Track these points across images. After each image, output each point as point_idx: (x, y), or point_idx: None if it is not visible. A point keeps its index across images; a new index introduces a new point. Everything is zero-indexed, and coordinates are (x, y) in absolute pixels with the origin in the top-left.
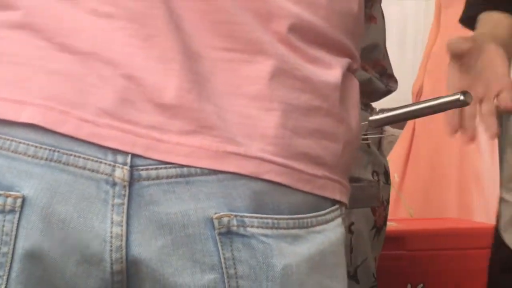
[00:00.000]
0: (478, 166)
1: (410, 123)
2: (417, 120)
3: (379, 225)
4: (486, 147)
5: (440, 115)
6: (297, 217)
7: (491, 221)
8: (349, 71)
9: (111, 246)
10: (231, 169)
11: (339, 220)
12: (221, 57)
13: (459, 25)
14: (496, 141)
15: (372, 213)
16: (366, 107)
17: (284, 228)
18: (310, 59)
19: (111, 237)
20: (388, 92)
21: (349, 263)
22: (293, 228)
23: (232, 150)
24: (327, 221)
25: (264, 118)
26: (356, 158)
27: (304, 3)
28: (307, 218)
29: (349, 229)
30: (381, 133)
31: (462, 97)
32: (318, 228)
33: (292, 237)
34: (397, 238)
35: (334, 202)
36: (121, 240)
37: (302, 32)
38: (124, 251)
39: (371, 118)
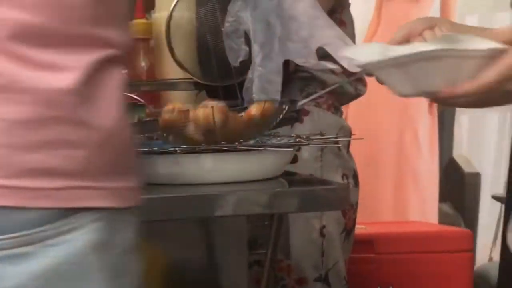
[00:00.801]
0: (416, 164)
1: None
2: (349, 114)
3: (349, 228)
4: (425, 145)
5: (380, 109)
6: (24, 234)
7: (427, 220)
8: (105, 62)
9: None
10: None
11: (87, 228)
12: None
13: (401, 18)
14: (436, 139)
15: (343, 216)
16: (336, 110)
17: (8, 249)
18: (38, 66)
19: None
20: (358, 95)
21: (321, 266)
22: (19, 246)
23: None
24: (65, 232)
25: None
26: (326, 161)
27: (29, 7)
28: (37, 233)
29: (321, 232)
30: (350, 137)
31: None
32: (52, 241)
33: (19, 256)
34: (366, 241)
35: (82, 209)
36: None
37: (28, 38)
38: None
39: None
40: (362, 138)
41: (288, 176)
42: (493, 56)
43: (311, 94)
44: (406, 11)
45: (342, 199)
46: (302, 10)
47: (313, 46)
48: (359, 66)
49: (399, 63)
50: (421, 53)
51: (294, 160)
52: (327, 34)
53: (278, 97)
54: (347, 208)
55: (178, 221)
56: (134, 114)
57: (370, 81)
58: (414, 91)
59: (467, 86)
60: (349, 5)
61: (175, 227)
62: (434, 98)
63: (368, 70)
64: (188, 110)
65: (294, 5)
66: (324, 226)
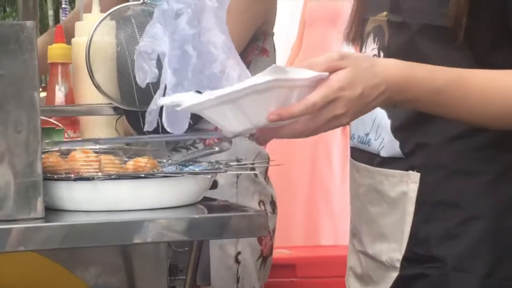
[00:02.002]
0: (329, 186)
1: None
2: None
3: (265, 255)
4: (338, 166)
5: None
6: None
7: (338, 242)
8: None
9: None
10: None
11: None
12: None
13: (322, 43)
14: (349, 159)
15: (259, 243)
16: (252, 136)
17: None
18: None
19: None
20: None
21: None
22: None
23: None
24: None
25: None
26: (241, 188)
27: None
28: None
29: (236, 259)
30: (268, 163)
31: None
32: None
33: None
34: (288, 265)
35: None
36: None
37: None
38: None
39: None
40: (280, 164)
41: (208, 202)
42: (317, 83)
43: None
44: (325, 37)
45: (261, 226)
46: (219, 46)
47: (222, 84)
48: (183, 109)
49: (230, 99)
50: (254, 86)
51: (214, 186)
52: (234, 76)
53: (186, 124)
54: (264, 235)
55: (97, 247)
56: (52, 139)
57: None
58: (244, 127)
59: (294, 107)
60: (273, 34)
61: (94, 253)
62: (261, 133)
63: (197, 111)
64: (68, 155)
65: (212, 39)
66: (239, 253)
